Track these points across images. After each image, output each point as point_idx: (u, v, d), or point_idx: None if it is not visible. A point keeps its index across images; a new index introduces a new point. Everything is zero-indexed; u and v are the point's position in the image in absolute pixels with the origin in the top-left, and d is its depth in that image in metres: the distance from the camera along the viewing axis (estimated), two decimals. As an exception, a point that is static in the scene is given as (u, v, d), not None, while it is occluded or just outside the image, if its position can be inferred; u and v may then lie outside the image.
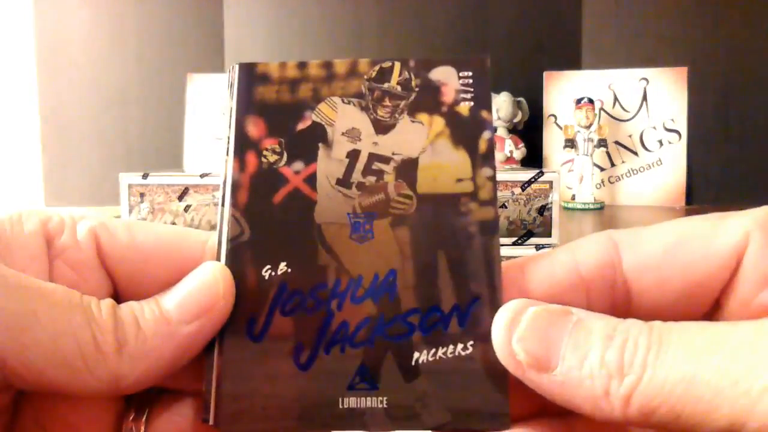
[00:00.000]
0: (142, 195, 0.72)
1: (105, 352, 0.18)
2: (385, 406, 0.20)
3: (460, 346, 0.20)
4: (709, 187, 1.42)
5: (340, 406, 0.19)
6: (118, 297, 0.22)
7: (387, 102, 0.22)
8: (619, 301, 0.20)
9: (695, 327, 0.17)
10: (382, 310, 0.20)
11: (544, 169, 0.68)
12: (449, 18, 1.73)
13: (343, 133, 0.22)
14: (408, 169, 0.21)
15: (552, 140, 1.33)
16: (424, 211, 0.21)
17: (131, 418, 0.21)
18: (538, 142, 1.33)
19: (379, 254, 0.21)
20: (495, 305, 0.20)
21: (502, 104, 1.24)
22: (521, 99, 1.31)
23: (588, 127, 1.20)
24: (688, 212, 1.55)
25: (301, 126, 0.22)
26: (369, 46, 1.67)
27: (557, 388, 0.18)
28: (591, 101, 1.21)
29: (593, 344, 0.18)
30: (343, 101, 0.22)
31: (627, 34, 1.43)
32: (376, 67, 0.22)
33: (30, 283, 0.18)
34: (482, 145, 0.21)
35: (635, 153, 1.28)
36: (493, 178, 0.21)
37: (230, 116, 0.22)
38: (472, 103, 0.22)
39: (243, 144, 0.21)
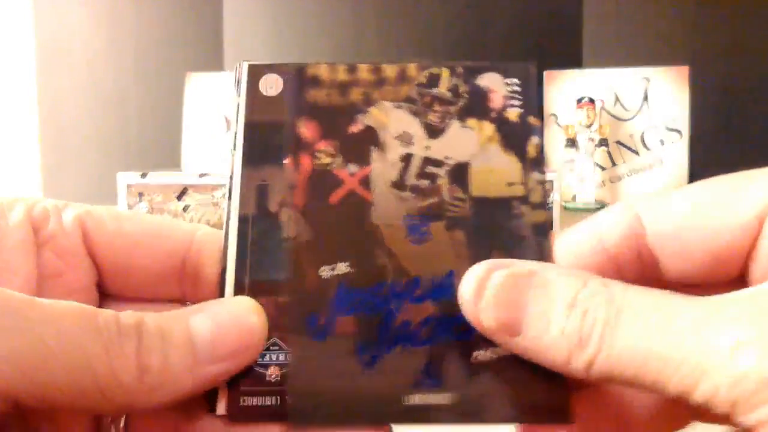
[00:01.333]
0: (140, 194, 0.72)
1: (124, 381, 0.17)
2: (449, 402, 0.20)
3: None
4: (710, 187, 1.41)
5: (405, 403, 0.20)
6: (103, 285, 0.22)
7: (437, 107, 0.22)
8: (648, 269, 0.20)
9: (652, 302, 0.18)
10: (443, 310, 0.20)
11: (544, 169, 0.68)
12: (449, 17, 1.73)
13: (395, 137, 0.22)
14: (460, 172, 0.22)
15: (552, 140, 1.32)
16: (478, 214, 0.21)
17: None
18: (539, 141, 1.32)
19: (436, 255, 0.21)
20: None
21: (502, 103, 1.24)
22: (522, 98, 1.30)
23: (589, 126, 1.20)
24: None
25: (353, 129, 0.22)
26: (369, 44, 1.67)
27: (528, 352, 0.19)
28: (592, 101, 1.21)
29: (555, 312, 0.18)
30: (394, 105, 0.22)
31: (628, 33, 1.43)
32: (425, 73, 0.23)
33: (40, 311, 0.17)
34: (531, 150, 0.22)
35: (636, 152, 1.27)
36: (543, 182, 0.22)
37: (236, 113, 0.22)
38: (521, 110, 0.22)
39: (297, 146, 0.22)
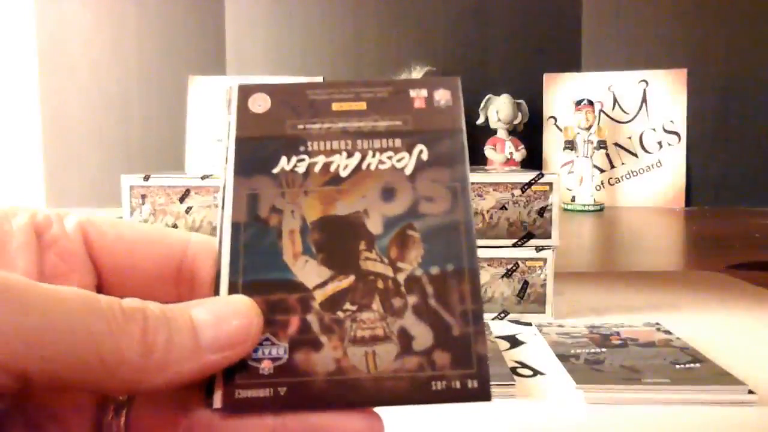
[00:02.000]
0: (143, 197, 0.72)
1: (129, 359, 0.18)
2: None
3: None
4: (709, 189, 1.42)
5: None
6: (103, 288, 0.23)
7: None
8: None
9: None
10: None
11: (543, 171, 0.68)
12: (450, 21, 1.73)
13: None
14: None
15: (552, 142, 1.33)
16: None
17: (112, 407, 0.21)
18: (538, 143, 1.33)
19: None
20: None
21: (502, 106, 1.25)
22: (521, 101, 1.31)
23: (588, 128, 1.21)
24: (688, 214, 1.56)
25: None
26: (369, 48, 1.67)
27: None
28: (591, 103, 1.22)
29: None
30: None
31: (627, 36, 1.44)
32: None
33: (45, 292, 0.18)
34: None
35: (635, 155, 1.28)
36: None
37: (228, 129, 0.24)
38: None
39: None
